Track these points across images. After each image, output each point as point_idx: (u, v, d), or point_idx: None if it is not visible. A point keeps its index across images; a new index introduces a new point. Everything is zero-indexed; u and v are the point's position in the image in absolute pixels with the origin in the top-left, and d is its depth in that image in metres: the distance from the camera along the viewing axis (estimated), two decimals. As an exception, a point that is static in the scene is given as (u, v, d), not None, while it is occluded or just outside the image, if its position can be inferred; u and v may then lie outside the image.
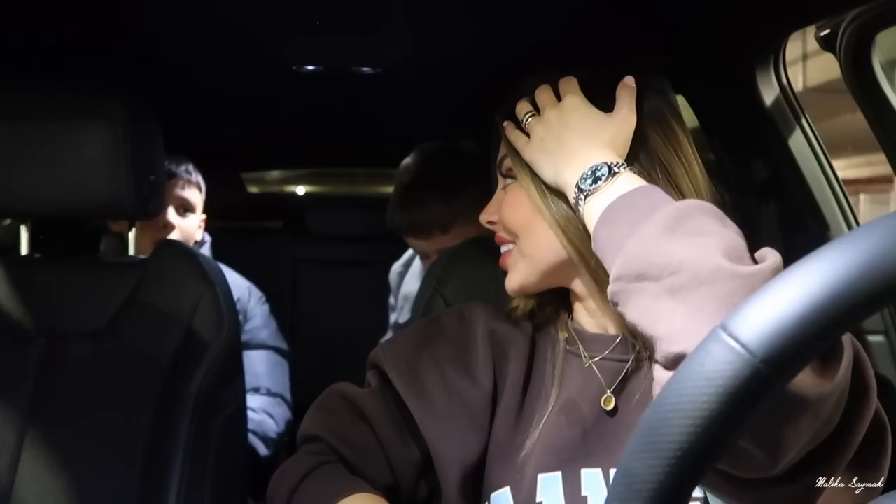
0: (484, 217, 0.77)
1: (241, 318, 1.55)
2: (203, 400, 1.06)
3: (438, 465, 0.70)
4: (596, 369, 0.71)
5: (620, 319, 0.59)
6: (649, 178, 0.63)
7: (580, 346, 0.72)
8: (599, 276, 0.66)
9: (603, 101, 0.68)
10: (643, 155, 0.67)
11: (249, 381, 1.50)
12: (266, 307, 1.74)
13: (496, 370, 0.74)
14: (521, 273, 0.73)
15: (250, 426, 1.45)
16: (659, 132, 0.68)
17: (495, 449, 0.71)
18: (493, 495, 0.70)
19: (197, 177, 1.63)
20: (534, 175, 0.68)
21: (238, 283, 1.66)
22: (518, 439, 0.71)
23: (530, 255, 0.71)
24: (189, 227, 1.58)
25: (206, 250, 1.73)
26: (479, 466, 0.71)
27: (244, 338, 1.64)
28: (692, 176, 0.68)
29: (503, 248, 0.76)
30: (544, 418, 0.70)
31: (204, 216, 1.67)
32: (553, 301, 0.77)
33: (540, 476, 0.67)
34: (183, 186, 1.57)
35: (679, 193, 0.66)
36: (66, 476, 1.00)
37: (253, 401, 1.57)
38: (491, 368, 0.73)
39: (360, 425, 0.75)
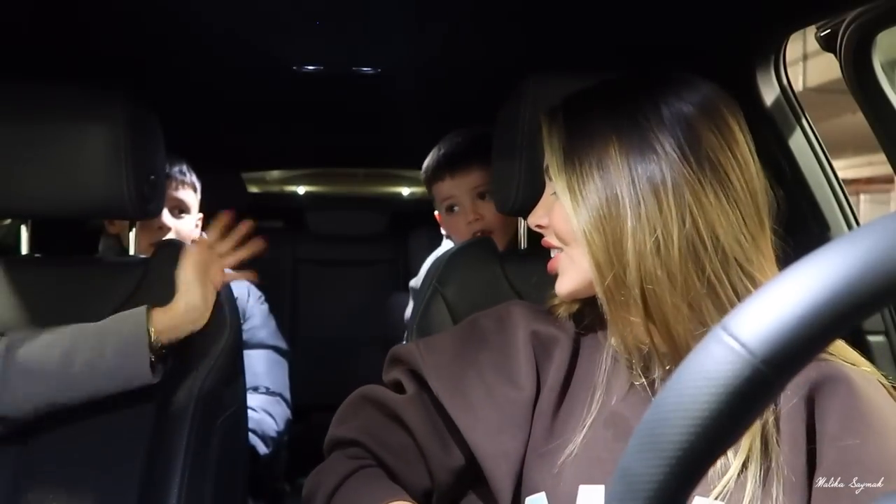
0: (532, 220, 0.75)
1: (240, 317, 1.56)
2: (205, 400, 1.06)
3: (488, 474, 0.69)
4: (648, 388, 0.67)
5: (670, 340, 0.62)
6: (698, 183, 0.61)
7: (632, 358, 0.68)
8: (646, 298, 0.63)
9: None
10: (693, 156, 0.62)
11: (249, 379, 1.50)
12: (265, 307, 1.74)
13: (539, 372, 0.72)
14: (571, 279, 0.70)
15: (249, 425, 1.45)
16: (714, 130, 0.63)
17: (532, 451, 0.70)
18: (529, 499, 0.68)
19: (191, 177, 1.61)
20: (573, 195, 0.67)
21: (236, 283, 1.67)
22: (554, 443, 0.69)
23: (580, 262, 0.68)
24: (184, 229, 1.58)
25: None
26: (521, 469, 0.70)
27: (243, 337, 1.64)
28: (747, 177, 0.63)
29: (552, 252, 0.74)
30: (587, 425, 0.68)
31: (201, 215, 1.66)
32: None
33: (581, 486, 0.65)
34: (177, 188, 1.56)
35: (730, 196, 0.62)
36: (67, 476, 1.00)
37: (252, 399, 1.58)
38: (534, 372, 0.72)
39: (398, 431, 0.74)
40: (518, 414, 0.70)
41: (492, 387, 0.71)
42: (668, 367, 0.65)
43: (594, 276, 0.65)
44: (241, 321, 1.60)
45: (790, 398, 0.60)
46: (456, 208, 1.40)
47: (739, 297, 0.61)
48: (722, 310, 0.61)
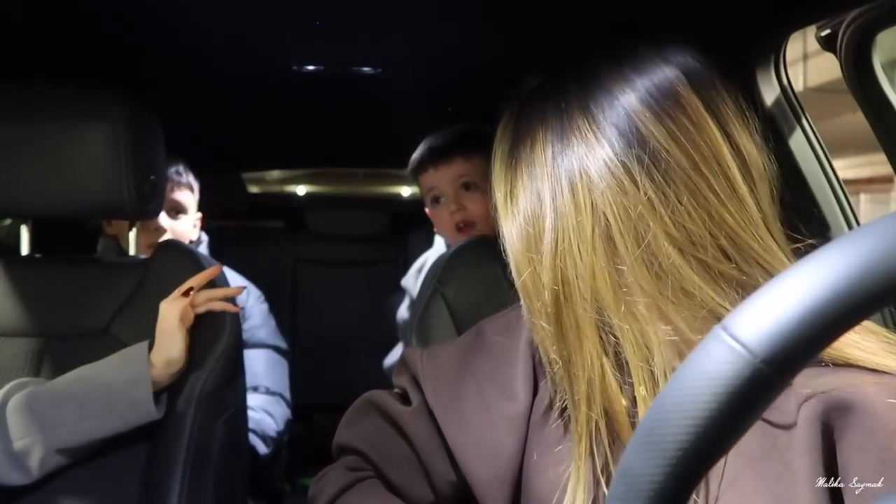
0: None
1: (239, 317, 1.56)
2: (205, 400, 1.07)
3: (480, 500, 0.65)
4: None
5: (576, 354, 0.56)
6: (623, 169, 0.53)
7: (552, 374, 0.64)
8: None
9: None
10: (620, 141, 0.54)
11: (248, 379, 1.50)
12: (265, 306, 1.74)
13: (537, 382, 0.67)
14: None
15: (249, 425, 1.45)
16: (657, 111, 0.54)
17: (529, 466, 0.65)
18: None
19: (188, 177, 1.61)
20: None
21: (236, 282, 1.67)
22: (552, 457, 0.63)
23: None
24: (181, 230, 1.57)
25: (203, 249, 1.73)
26: (517, 488, 0.65)
27: (243, 336, 1.64)
28: (706, 155, 0.53)
29: None
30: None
31: (199, 215, 1.66)
32: None
33: None
34: (172, 189, 1.56)
35: (669, 181, 0.52)
36: (67, 476, 1.00)
37: (252, 399, 1.58)
38: (531, 381, 0.66)
39: (400, 442, 0.72)
40: (513, 429, 0.65)
41: (488, 401, 0.67)
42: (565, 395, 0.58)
43: (517, 283, 0.60)
44: (241, 321, 1.61)
45: (804, 429, 0.49)
46: (441, 199, 1.41)
47: (683, 291, 0.52)
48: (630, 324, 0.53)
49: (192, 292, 1.07)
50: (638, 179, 0.52)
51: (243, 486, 1.21)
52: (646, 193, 0.52)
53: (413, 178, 1.50)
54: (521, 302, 0.60)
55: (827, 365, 0.50)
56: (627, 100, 0.54)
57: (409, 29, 1.15)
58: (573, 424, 0.57)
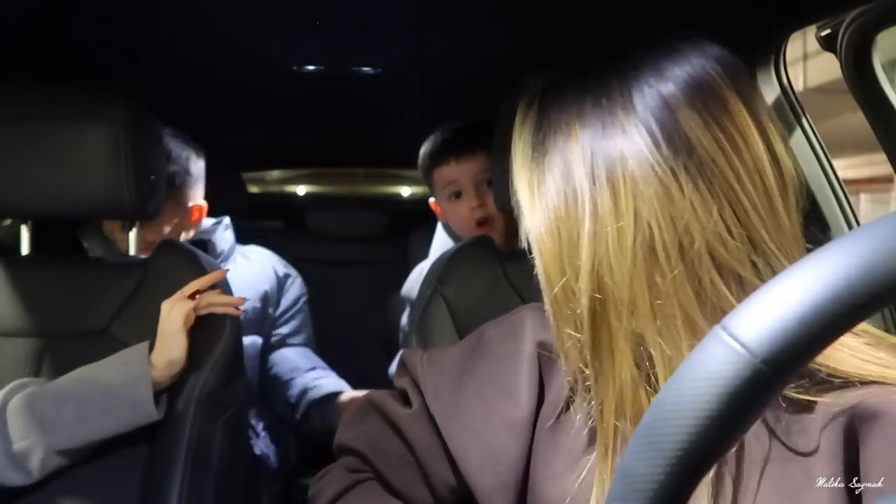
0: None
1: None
2: (205, 400, 1.06)
3: (479, 498, 0.64)
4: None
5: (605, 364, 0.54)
6: (670, 173, 0.50)
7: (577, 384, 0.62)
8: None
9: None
10: (666, 141, 0.50)
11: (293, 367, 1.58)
12: (303, 306, 1.73)
13: (543, 386, 0.65)
14: None
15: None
16: (698, 107, 0.51)
17: (537, 473, 0.63)
18: None
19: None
20: None
21: (267, 273, 1.65)
22: (561, 465, 0.61)
23: None
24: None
25: (226, 233, 1.68)
26: (521, 495, 0.63)
27: (275, 333, 1.64)
28: (746, 158, 0.51)
29: None
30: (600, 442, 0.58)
31: (205, 204, 1.61)
32: None
33: None
34: None
35: (715, 186, 0.50)
36: (67, 477, 1.00)
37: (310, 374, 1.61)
38: (536, 386, 0.64)
39: (400, 445, 0.71)
40: (517, 434, 0.64)
41: (491, 407, 0.65)
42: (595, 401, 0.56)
43: (543, 285, 0.57)
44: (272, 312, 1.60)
45: (827, 440, 0.48)
46: (461, 194, 1.38)
47: (720, 309, 0.50)
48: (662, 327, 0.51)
49: (197, 295, 1.07)
50: (685, 189, 0.49)
51: (243, 486, 1.21)
52: (692, 203, 0.49)
53: (426, 171, 1.45)
54: (548, 307, 0.57)
55: (850, 386, 0.49)
56: (674, 101, 0.51)
57: (409, 29, 1.15)
58: (600, 434, 0.56)
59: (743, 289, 0.50)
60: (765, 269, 0.50)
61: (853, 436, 0.47)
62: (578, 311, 0.54)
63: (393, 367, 1.57)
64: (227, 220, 1.68)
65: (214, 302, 1.09)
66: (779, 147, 0.52)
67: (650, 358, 0.52)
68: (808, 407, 0.50)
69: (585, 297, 0.53)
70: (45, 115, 1.06)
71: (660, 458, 0.30)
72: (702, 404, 0.29)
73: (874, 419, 0.46)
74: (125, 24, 1.10)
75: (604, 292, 0.52)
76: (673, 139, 0.50)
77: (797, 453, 0.50)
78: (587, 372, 0.56)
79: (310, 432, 1.63)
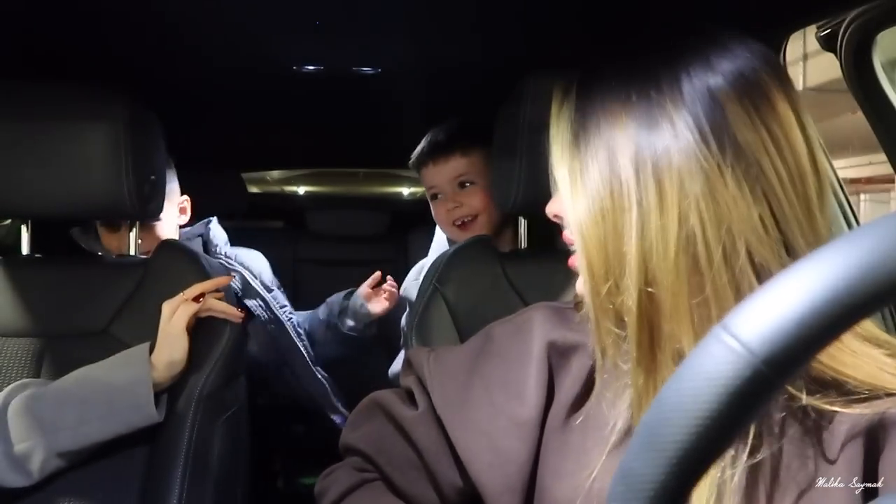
0: (550, 210, 0.65)
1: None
2: (206, 400, 1.07)
3: (486, 500, 0.64)
4: None
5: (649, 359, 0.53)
6: (717, 170, 0.49)
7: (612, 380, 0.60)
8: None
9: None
10: (714, 137, 0.50)
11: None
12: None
13: (554, 386, 0.64)
14: None
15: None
16: (746, 105, 0.51)
17: (546, 474, 0.62)
18: None
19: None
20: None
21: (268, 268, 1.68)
22: (572, 464, 0.60)
23: None
24: (169, 220, 1.53)
25: (219, 231, 1.68)
26: (529, 496, 0.62)
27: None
28: (789, 160, 0.51)
29: (571, 248, 0.63)
30: (612, 443, 0.58)
31: (186, 198, 1.59)
32: None
33: None
34: None
35: (757, 186, 0.50)
36: (68, 477, 1.00)
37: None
38: (545, 386, 0.64)
39: (406, 446, 0.71)
40: (525, 435, 0.63)
41: (498, 407, 0.65)
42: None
43: (584, 276, 0.56)
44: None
45: (850, 446, 0.49)
46: (439, 196, 1.41)
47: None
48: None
49: (201, 299, 1.07)
50: (729, 187, 0.49)
51: (243, 486, 1.21)
52: (735, 203, 0.49)
53: (418, 173, 1.50)
54: (589, 299, 0.56)
55: (880, 396, 0.49)
56: (724, 97, 0.50)
57: (408, 29, 1.15)
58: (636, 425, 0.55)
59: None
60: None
61: (875, 445, 0.47)
62: (621, 305, 0.53)
63: (393, 368, 1.57)
64: (215, 219, 1.69)
65: (216, 308, 1.09)
66: (819, 152, 0.52)
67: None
68: (833, 417, 0.50)
69: (634, 290, 0.52)
70: (45, 115, 1.06)
71: (660, 458, 0.30)
72: (702, 404, 0.29)
73: (893, 424, 0.46)
74: (125, 25, 1.10)
75: (654, 286, 0.51)
76: (721, 137, 0.50)
77: (819, 460, 0.50)
78: (623, 368, 0.55)
79: (353, 330, 1.73)
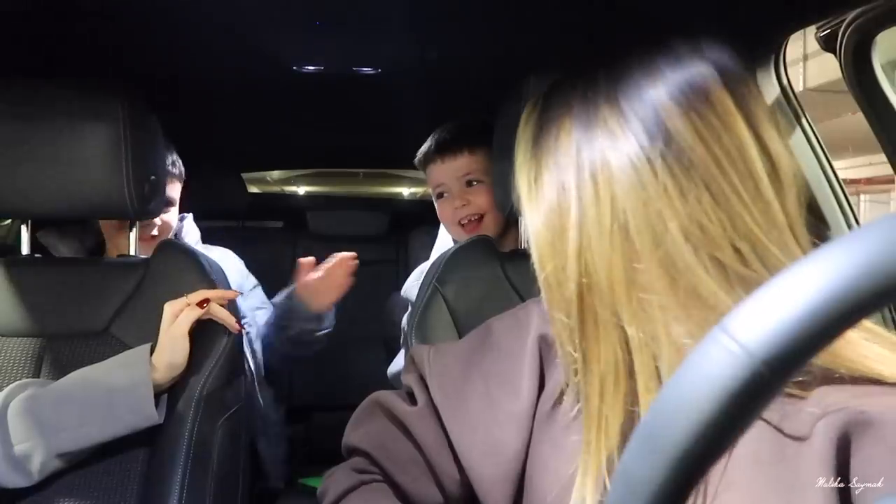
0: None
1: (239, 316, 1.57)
2: (206, 400, 1.06)
3: (483, 499, 0.65)
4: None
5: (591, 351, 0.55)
6: (647, 166, 0.52)
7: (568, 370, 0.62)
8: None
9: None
10: (647, 135, 0.52)
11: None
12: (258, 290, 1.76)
13: (544, 377, 0.66)
14: None
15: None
16: (689, 110, 0.52)
17: (535, 464, 0.64)
18: None
19: (179, 166, 1.54)
20: None
21: (240, 269, 1.68)
22: (561, 455, 0.61)
23: None
24: (170, 220, 1.56)
25: (191, 240, 1.69)
26: (520, 487, 0.64)
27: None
28: (735, 158, 0.51)
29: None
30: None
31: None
32: None
33: None
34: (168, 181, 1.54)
35: (698, 184, 0.51)
36: (67, 477, 1.00)
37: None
38: (536, 377, 0.65)
39: (407, 443, 0.71)
40: (517, 427, 0.64)
41: (494, 400, 0.66)
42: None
43: (537, 272, 0.59)
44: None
45: (819, 442, 0.48)
46: (445, 194, 1.41)
47: (696, 293, 0.51)
48: (646, 322, 0.52)
49: (206, 304, 1.07)
50: (658, 175, 0.51)
51: (243, 486, 1.21)
52: (665, 190, 0.51)
53: (423, 171, 1.49)
54: (542, 294, 0.59)
55: (845, 380, 0.49)
56: (657, 94, 0.53)
57: (409, 29, 1.15)
58: (585, 418, 0.56)
59: (724, 274, 0.51)
60: (750, 254, 0.51)
61: (846, 443, 0.47)
62: (567, 296, 0.56)
63: (393, 367, 1.57)
64: (190, 215, 1.69)
65: (218, 315, 1.10)
66: (769, 135, 0.53)
67: (629, 342, 0.54)
68: (802, 397, 0.50)
69: (573, 281, 0.55)
70: (44, 114, 1.06)
71: (659, 458, 0.30)
72: (701, 406, 0.29)
73: (869, 426, 0.46)
74: (126, 25, 1.10)
75: (589, 276, 0.54)
76: (651, 129, 0.52)
77: (789, 437, 0.49)
78: (576, 355, 0.58)
79: (300, 340, 1.67)
